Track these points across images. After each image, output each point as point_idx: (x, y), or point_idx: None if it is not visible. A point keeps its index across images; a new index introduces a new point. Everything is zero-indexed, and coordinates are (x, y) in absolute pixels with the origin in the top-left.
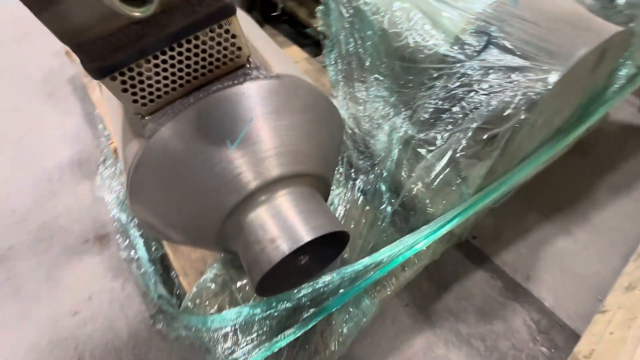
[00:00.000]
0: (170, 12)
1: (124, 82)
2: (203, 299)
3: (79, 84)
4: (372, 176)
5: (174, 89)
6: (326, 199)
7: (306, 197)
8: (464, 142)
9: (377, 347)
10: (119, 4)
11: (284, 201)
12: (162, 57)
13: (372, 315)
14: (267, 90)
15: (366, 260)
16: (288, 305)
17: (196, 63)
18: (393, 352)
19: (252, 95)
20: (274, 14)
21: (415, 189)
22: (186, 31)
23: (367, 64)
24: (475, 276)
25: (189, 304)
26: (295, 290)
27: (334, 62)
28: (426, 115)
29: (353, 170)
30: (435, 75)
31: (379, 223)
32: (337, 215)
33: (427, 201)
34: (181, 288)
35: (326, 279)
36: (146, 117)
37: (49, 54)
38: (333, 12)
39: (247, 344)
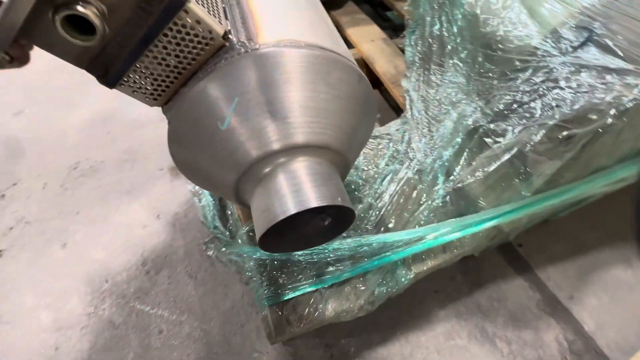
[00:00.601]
0: (128, 25)
1: (130, 86)
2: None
3: None
4: (430, 159)
5: (172, 82)
6: (344, 179)
7: (324, 169)
8: (537, 137)
9: (399, 319)
10: (66, 36)
11: (301, 167)
12: (146, 61)
13: (404, 287)
14: (254, 65)
15: (409, 233)
16: (330, 255)
17: (177, 56)
18: (414, 329)
19: (231, 74)
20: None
21: (471, 178)
22: (152, 33)
23: (449, 48)
24: (513, 282)
25: (243, 235)
26: (338, 243)
27: (413, 44)
28: (501, 106)
29: (412, 150)
30: (519, 67)
31: (429, 202)
32: (388, 188)
33: (481, 192)
34: (234, 225)
35: (369, 240)
36: (163, 107)
37: None
38: None
39: (288, 279)
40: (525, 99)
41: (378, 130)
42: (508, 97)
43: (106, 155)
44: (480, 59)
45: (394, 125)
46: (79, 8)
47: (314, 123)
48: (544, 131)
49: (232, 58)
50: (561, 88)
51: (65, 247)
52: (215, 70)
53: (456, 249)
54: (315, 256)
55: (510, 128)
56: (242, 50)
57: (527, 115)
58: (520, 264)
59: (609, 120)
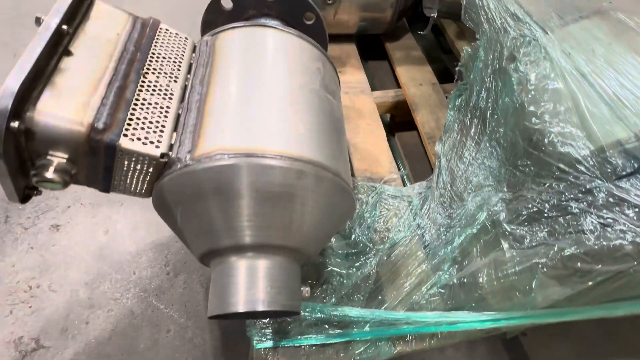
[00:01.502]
0: (91, 164)
1: (120, 190)
2: None
3: None
4: (442, 239)
5: (145, 184)
6: (303, 265)
7: (278, 268)
8: (552, 260)
9: None
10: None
11: (257, 264)
12: (117, 178)
13: None
14: (188, 180)
15: (400, 315)
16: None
17: (137, 171)
18: None
19: (171, 186)
20: (421, 32)
21: (479, 275)
22: (109, 165)
23: (490, 128)
24: None
25: None
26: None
27: (456, 109)
28: (525, 211)
29: (428, 223)
30: (556, 174)
31: (429, 286)
32: (392, 254)
33: (484, 292)
34: None
35: (360, 313)
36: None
37: None
38: (479, 60)
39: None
40: (553, 212)
41: (401, 190)
42: (536, 203)
43: None
44: (518, 151)
45: (418, 188)
46: (47, 175)
47: (259, 228)
48: (560, 256)
49: (170, 173)
50: (591, 214)
51: (107, 233)
52: (163, 178)
53: (445, 339)
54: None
55: (528, 237)
56: (178, 166)
57: (550, 230)
58: (520, 355)
59: (634, 269)
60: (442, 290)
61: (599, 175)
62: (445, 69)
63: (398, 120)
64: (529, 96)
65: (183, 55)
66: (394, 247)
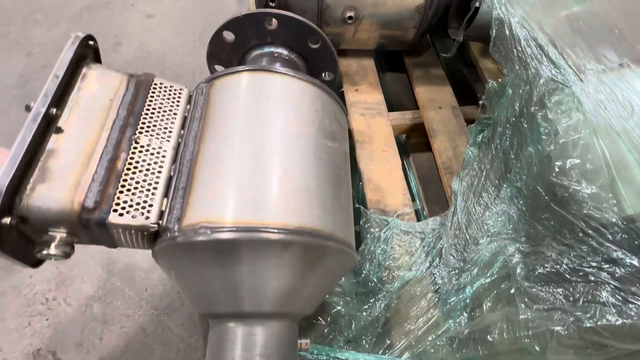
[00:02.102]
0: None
1: (127, 246)
2: None
3: None
4: (453, 284)
5: (144, 242)
6: (300, 318)
7: (274, 335)
8: (568, 330)
9: None
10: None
11: (253, 331)
12: (118, 240)
13: None
14: (179, 248)
15: None
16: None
17: (134, 237)
18: None
19: (162, 253)
20: (445, 55)
21: (491, 331)
22: (102, 237)
23: (511, 174)
24: None
25: None
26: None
27: (477, 145)
28: (542, 270)
29: (441, 261)
30: (580, 236)
31: (436, 334)
32: (401, 300)
33: (493, 352)
34: None
35: (367, 358)
36: None
37: None
38: (505, 97)
39: None
40: (573, 277)
41: (414, 226)
42: (555, 264)
43: None
44: (540, 203)
45: (432, 224)
46: (50, 252)
47: (252, 297)
48: (577, 327)
49: (160, 242)
50: (615, 288)
51: (121, 249)
52: (155, 245)
53: None
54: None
55: (545, 298)
56: (167, 235)
57: (568, 296)
58: None
59: None
60: (451, 341)
61: (626, 246)
62: (465, 84)
63: (414, 141)
64: (557, 148)
65: (177, 111)
66: (404, 286)
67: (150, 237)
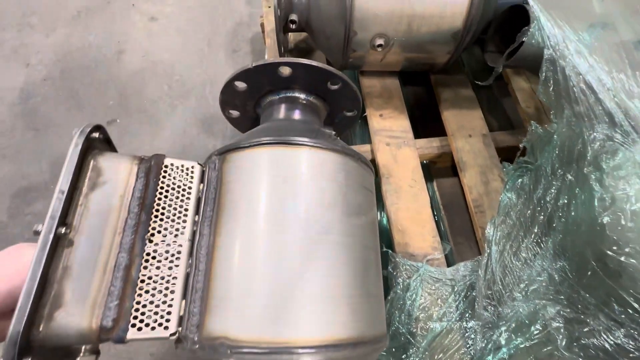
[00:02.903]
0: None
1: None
2: None
3: (257, 48)
4: (488, 339)
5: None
6: None
7: None
8: None
9: None
10: None
11: None
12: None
13: None
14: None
15: None
16: None
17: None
18: None
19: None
20: (483, 83)
21: None
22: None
23: (556, 233)
24: None
25: None
26: None
27: (514, 191)
28: (587, 341)
29: (473, 314)
30: (632, 314)
31: None
32: (431, 346)
33: None
34: None
35: None
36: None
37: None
38: (552, 146)
39: None
40: (622, 357)
41: (443, 272)
42: (602, 340)
43: None
44: (587, 270)
45: (462, 270)
46: None
47: None
48: None
49: (181, 347)
50: None
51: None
52: (177, 346)
53: None
54: None
55: None
56: (187, 344)
57: None
58: None
59: None
60: None
61: None
62: (494, 100)
63: (439, 166)
64: (612, 218)
65: (190, 194)
66: (435, 339)
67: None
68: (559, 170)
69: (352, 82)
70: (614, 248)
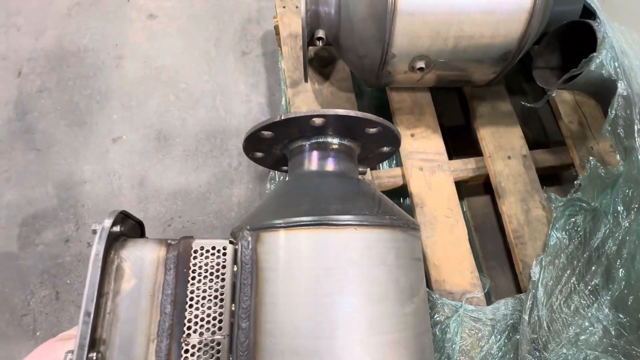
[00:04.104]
0: None
1: None
2: None
3: (269, 49)
4: None
5: None
6: None
7: None
8: None
9: None
10: None
11: None
12: None
13: None
14: None
15: None
16: None
17: None
18: None
19: None
20: (532, 105)
21: None
22: None
23: (615, 286)
24: None
25: None
26: None
27: (566, 231)
28: None
29: (516, 358)
30: None
31: None
32: None
33: None
34: None
35: None
36: None
37: None
38: (617, 190)
39: None
40: None
41: (483, 311)
42: None
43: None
44: None
45: (503, 309)
46: None
47: None
48: None
49: None
50: None
51: None
52: None
53: None
54: None
55: None
56: None
57: None
58: None
59: None
60: None
61: None
62: (529, 109)
63: (471, 184)
64: None
65: (224, 280)
66: None
67: None
68: (624, 220)
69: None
70: None
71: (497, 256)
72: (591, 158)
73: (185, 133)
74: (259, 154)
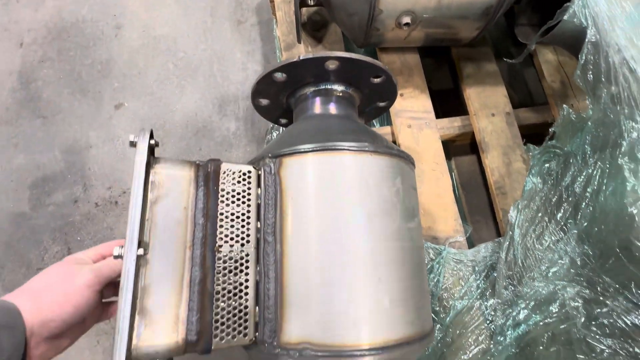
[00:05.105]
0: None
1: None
2: None
3: (263, 18)
4: (507, 316)
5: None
6: None
7: None
8: None
9: None
10: None
11: None
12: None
13: None
14: None
15: None
16: None
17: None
18: None
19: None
20: (513, 61)
21: None
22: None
23: (582, 221)
24: None
25: None
26: None
27: (540, 176)
28: (606, 322)
29: (494, 293)
30: None
31: (490, 358)
32: (453, 323)
33: None
34: None
35: None
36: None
37: None
38: (585, 133)
39: None
40: (638, 336)
41: (466, 253)
42: (620, 320)
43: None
44: (610, 256)
45: (483, 251)
46: None
47: None
48: None
49: (255, 352)
50: None
51: None
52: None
53: None
54: None
55: (605, 351)
56: (264, 348)
57: (631, 352)
58: None
59: None
60: None
61: None
62: (515, 71)
63: (458, 144)
64: None
65: (250, 201)
66: (456, 316)
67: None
68: (591, 159)
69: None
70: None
71: (482, 211)
72: (565, 106)
73: (184, 100)
74: (265, 102)
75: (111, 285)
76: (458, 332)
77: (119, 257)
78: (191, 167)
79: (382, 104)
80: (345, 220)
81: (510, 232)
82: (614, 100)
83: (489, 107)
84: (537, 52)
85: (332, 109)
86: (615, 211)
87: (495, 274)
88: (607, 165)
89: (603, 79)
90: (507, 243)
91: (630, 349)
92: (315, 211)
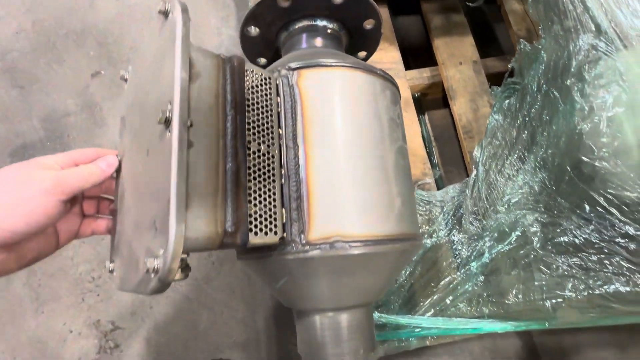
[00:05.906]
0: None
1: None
2: None
3: None
4: (473, 248)
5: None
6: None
7: (358, 320)
8: (576, 293)
9: None
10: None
11: (340, 319)
12: None
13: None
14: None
15: (425, 321)
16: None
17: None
18: None
19: (275, 266)
20: (473, 4)
21: (507, 295)
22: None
23: (537, 147)
24: None
25: None
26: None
27: (502, 113)
28: (561, 240)
29: (460, 228)
30: (600, 211)
31: (456, 295)
32: (421, 268)
33: (512, 310)
34: None
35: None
36: None
37: None
38: (538, 63)
39: None
40: (588, 249)
41: (434, 194)
42: (572, 235)
43: None
44: (564, 178)
45: (451, 192)
46: (176, 278)
47: (350, 293)
48: (587, 293)
49: (282, 254)
50: (626, 260)
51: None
52: (270, 255)
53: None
54: None
55: (560, 267)
56: (292, 248)
57: (582, 265)
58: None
59: None
60: (470, 301)
61: None
62: (485, 23)
63: (430, 98)
64: (589, 127)
65: (271, 106)
66: (426, 253)
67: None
68: (544, 86)
69: None
70: (590, 155)
71: (454, 161)
72: (521, 40)
73: None
74: (255, 31)
75: (94, 200)
76: (428, 267)
77: (167, 121)
78: (218, 58)
79: (362, 54)
80: (366, 130)
81: (475, 170)
82: (564, 27)
83: (456, 56)
84: (503, 2)
85: (325, 45)
86: (567, 133)
87: (462, 212)
88: (559, 91)
89: (553, 7)
90: (473, 180)
91: (582, 263)
92: (341, 120)
